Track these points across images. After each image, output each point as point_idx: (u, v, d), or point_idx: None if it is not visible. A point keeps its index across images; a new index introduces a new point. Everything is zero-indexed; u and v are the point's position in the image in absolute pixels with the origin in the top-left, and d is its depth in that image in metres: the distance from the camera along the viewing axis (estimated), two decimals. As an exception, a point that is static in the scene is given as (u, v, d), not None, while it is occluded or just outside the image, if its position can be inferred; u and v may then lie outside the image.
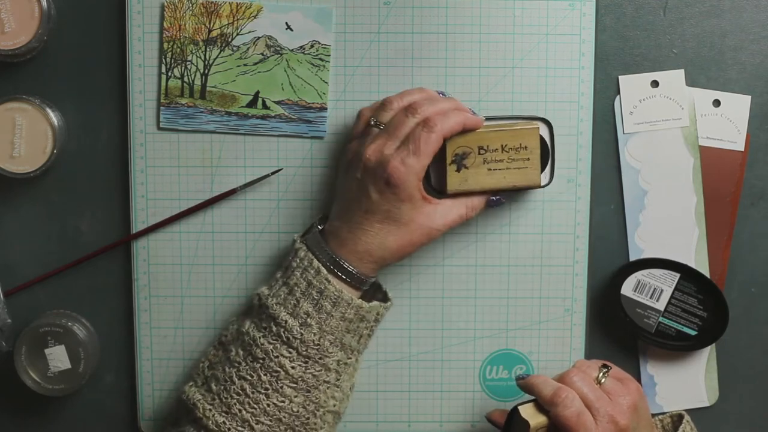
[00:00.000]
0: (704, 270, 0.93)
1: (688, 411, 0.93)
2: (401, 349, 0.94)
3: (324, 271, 0.82)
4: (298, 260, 0.84)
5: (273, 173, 0.92)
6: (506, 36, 0.91)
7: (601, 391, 0.82)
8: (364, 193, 0.82)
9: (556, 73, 0.91)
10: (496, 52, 0.91)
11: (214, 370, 0.85)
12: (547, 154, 0.90)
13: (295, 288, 0.82)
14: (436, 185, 0.88)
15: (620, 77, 0.92)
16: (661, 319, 0.92)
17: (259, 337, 0.82)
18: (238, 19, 0.90)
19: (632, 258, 0.93)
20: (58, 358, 0.90)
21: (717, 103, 0.92)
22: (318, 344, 0.82)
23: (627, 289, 0.93)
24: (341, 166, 0.88)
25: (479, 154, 0.86)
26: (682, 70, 0.92)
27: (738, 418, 0.96)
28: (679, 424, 0.90)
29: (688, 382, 0.94)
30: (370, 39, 0.91)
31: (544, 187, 0.90)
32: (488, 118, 0.88)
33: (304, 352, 0.81)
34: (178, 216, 0.92)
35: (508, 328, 0.93)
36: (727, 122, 0.93)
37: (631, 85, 0.92)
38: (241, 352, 0.83)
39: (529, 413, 0.81)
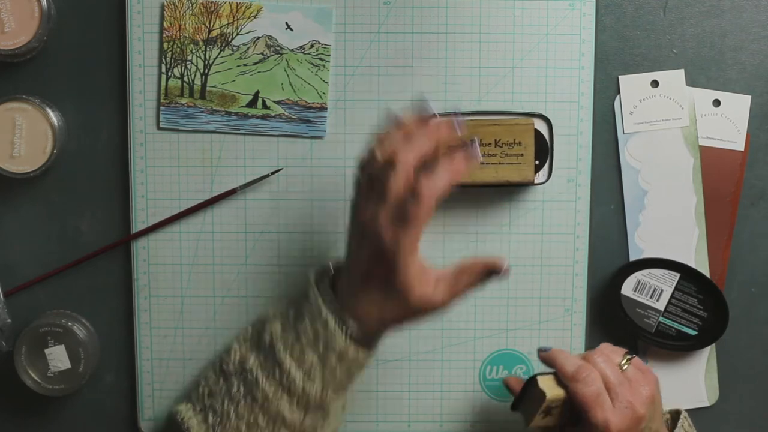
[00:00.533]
0: (704, 270, 0.93)
1: (688, 411, 0.93)
2: (401, 349, 0.94)
3: (332, 324, 0.79)
4: (308, 305, 0.81)
5: (273, 173, 0.92)
6: (506, 36, 0.91)
7: (624, 377, 0.82)
8: (363, 259, 0.79)
9: (556, 73, 0.91)
10: (496, 52, 0.91)
11: (213, 400, 0.84)
12: (546, 151, 0.90)
13: (303, 336, 0.80)
14: None
15: (620, 77, 0.92)
16: (661, 319, 0.92)
17: (262, 378, 0.81)
18: (238, 19, 0.90)
19: (632, 258, 0.93)
20: (58, 358, 0.90)
21: (717, 103, 0.92)
22: (320, 396, 0.81)
23: (627, 289, 0.93)
24: (350, 220, 0.83)
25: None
26: (682, 70, 0.92)
27: (738, 418, 0.96)
28: (677, 420, 0.90)
29: (688, 382, 0.94)
30: (370, 39, 0.91)
31: (540, 184, 0.90)
32: (487, 114, 0.89)
33: (305, 402, 0.81)
34: (178, 216, 0.92)
35: (508, 328, 0.93)
36: (727, 122, 0.93)
37: (631, 85, 0.92)
38: (242, 389, 0.82)
39: (547, 384, 0.81)
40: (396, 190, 0.76)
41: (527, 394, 0.83)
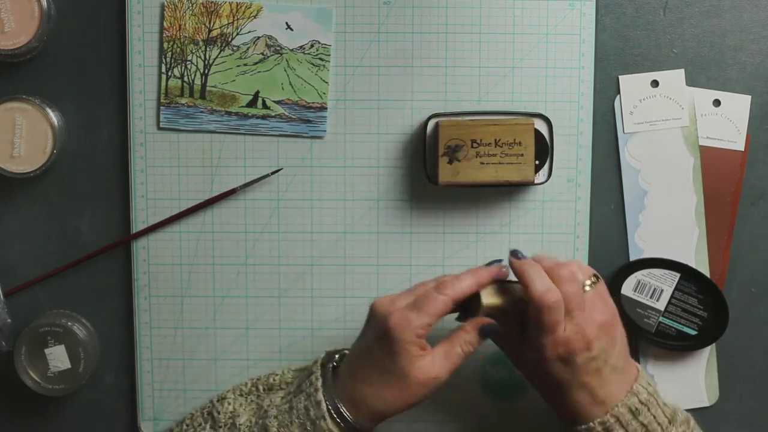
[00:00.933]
0: (704, 270, 0.93)
1: (688, 411, 0.93)
2: (401, 349, 0.94)
3: (324, 407, 0.80)
4: (308, 383, 0.82)
5: (273, 173, 0.92)
6: (506, 36, 0.91)
7: (582, 300, 0.80)
8: (367, 342, 0.80)
9: (556, 73, 0.91)
10: (496, 52, 0.91)
11: None
12: (546, 151, 0.90)
13: (294, 411, 0.81)
14: (430, 175, 0.89)
15: (620, 77, 0.92)
16: (661, 319, 0.92)
17: None
18: (238, 19, 0.90)
19: (632, 258, 0.93)
20: (58, 358, 0.90)
21: (717, 103, 0.92)
22: None
23: (627, 289, 0.93)
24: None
25: (472, 147, 0.87)
26: (682, 70, 0.92)
27: (738, 418, 0.96)
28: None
29: (688, 382, 0.94)
30: (370, 39, 0.91)
31: (540, 184, 0.90)
32: (487, 114, 0.89)
33: None
34: (178, 216, 0.92)
35: (508, 328, 0.93)
36: (727, 122, 0.93)
37: (631, 85, 0.92)
38: None
39: (486, 292, 0.81)
40: (426, 291, 0.80)
41: (470, 304, 0.82)
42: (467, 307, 0.82)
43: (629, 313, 0.93)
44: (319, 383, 0.81)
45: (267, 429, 0.81)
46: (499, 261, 0.82)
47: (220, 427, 0.85)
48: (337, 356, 0.84)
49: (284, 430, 0.81)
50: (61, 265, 0.93)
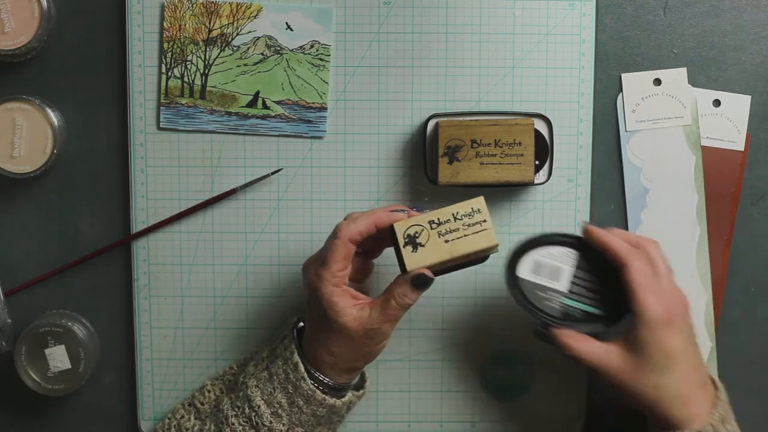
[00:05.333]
0: (705, 270, 0.93)
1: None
2: (401, 349, 0.94)
3: (302, 368, 0.81)
4: (282, 348, 0.84)
5: (273, 173, 0.92)
6: (506, 36, 0.91)
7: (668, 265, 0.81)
8: (308, 306, 0.83)
9: (556, 73, 0.91)
10: (496, 52, 0.91)
11: None
12: (546, 151, 0.90)
13: (274, 377, 0.83)
14: (430, 175, 0.89)
15: (623, 75, 0.92)
16: (564, 300, 0.84)
17: (231, 416, 0.83)
18: (238, 19, 0.90)
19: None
20: (58, 358, 0.90)
21: (717, 102, 0.92)
22: None
23: (525, 271, 0.84)
24: None
25: (472, 147, 0.87)
26: (685, 69, 0.92)
27: (738, 418, 0.95)
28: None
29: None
30: (370, 39, 0.91)
31: (540, 184, 0.90)
32: (487, 114, 0.89)
33: None
34: (178, 216, 0.92)
35: (508, 328, 0.93)
36: (727, 122, 0.93)
37: (634, 83, 0.92)
38: (213, 428, 0.84)
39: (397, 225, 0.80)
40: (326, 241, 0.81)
41: (396, 248, 0.81)
42: (398, 256, 0.81)
43: (530, 298, 0.84)
44: (293, 345, 0.83)
45: (251, 400, 0.82)
46: (403, 210, 0.82)
47: (207, 416, 0.86)
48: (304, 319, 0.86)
49: (268, 397, 0.82)
50: (61, 265, 0.93)
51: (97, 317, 0.94)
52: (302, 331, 0.85)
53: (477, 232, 0.81)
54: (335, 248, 0.80)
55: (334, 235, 0.81)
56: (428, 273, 0.80)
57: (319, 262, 0.81)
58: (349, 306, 0.80)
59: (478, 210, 0.80)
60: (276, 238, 0.93)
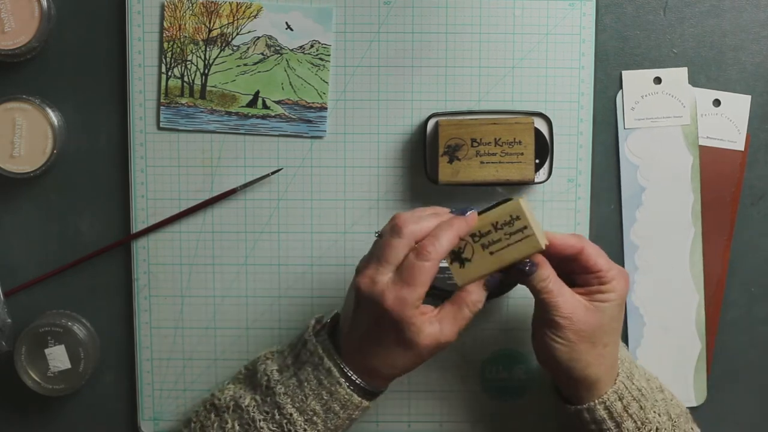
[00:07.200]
0: (698, 271, 0.93)
1: (689, 411, 0.93)
2: (401, 349, 0.94)
3: (336, 374, 0.80)
4: (307, 353, 0.82)
5: (273, 173, 0.92)
6: (506, 36, 0.91)
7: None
8: (364, 321, 0.79)
9: (556, 73, 0.91)
10: (496, 52, 0.91)
11: None
12: (546, 150, 0.90)
13: (305, 384, 0.81)
14: (431, 175, 0.89)
15: (623, 72, 0.92)
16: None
17: (260, 421, 0.82)
18: (238, 19, 0.90)
19: (627, 254, 0.93)
20: (58, 358, 0.90)
21: (717, 102, 0.93)
22: None
23: None
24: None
25: (472, 146, 0.87)
26: (685, 68, 0.92)
27: (738, 418, 0.96)
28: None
29: (677, 382, 0.93)
30: (370, 39, 0.91)
31: (540, 183, 0.90)
32: (486, 113, 0.89)
33: None
34: (178, 216, 0.92)
35: (508, 327, 0.93)
36: (727, 122, 0.93)
37: (634, 81, 0.92)
38: (237, 428, 0.83)
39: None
40: (398, 255, 0.78)
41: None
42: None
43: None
44: (320, 350, 0.81)
45: (281, 407, 0.81)
46: (471, 208, 0.80)
47: (224, 411, 0.85)
48: (326, 320, 0.84)
49: (300, 404, 0.81)
50: (61, 265, 0.93)
51: (97, 317, 0.93)
52: (332, 334, 0.83)
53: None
54: (426, 272, 0.77)
55: (422, 256, 0.77)
56: (496, 276, 0.80)
57: (402, 285, 0.77)
58: (426, 324, 0.78)
59: (517, 217, 0.79)
60: (276, 238, 0.93)
